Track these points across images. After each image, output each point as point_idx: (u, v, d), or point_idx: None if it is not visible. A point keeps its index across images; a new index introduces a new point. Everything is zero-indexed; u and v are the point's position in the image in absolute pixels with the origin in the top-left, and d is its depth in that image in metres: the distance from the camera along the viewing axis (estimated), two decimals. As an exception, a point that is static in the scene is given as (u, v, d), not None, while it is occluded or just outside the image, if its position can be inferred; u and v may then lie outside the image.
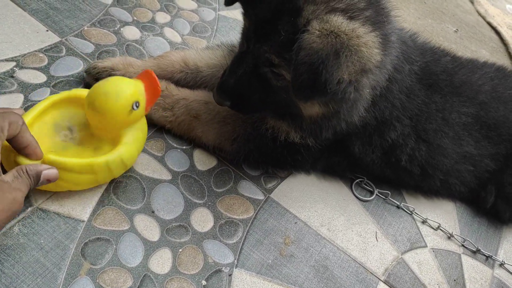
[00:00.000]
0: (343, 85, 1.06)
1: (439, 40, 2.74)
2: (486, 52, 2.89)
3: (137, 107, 1.18)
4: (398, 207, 1.60)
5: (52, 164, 1.03)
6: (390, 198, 1.60)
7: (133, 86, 1.18)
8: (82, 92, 1.22)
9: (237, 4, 1.24)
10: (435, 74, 1.48)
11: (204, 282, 1.15)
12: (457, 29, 2.92)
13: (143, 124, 1.27)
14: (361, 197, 1.56)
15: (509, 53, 2.95)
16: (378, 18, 1.13)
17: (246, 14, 1.22)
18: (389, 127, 1.41)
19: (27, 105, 1.30)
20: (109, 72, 1.40)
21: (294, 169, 1.52)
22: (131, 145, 1.20)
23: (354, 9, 1.08)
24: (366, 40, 1.06)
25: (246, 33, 1.21)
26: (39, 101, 1.19)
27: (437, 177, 1.59)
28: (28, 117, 1.11)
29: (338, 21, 1.03)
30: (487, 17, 3.41)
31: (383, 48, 1.13)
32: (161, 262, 1.14)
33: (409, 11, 2.87)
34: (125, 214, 1.19)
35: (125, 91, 1.15)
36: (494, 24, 3.30)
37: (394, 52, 1.26)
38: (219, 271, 1.19)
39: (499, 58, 2.89)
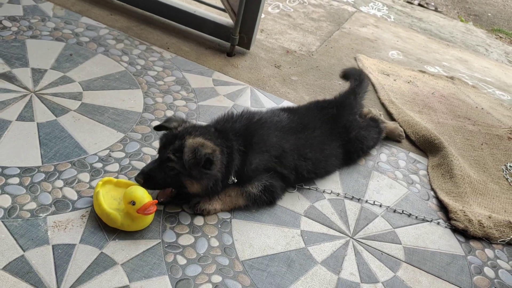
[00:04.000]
0: (205, 156, 2.41)
1: (330, 91, 4.43)
2: (361, 93, 4.60)
3: (133, 204, 2.29)
4: (309, 188, 3.15)
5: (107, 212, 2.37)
6: (305, 186, 3.15)
7: (140, 194, 2.32)
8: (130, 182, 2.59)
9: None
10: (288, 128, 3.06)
11: None
12: (341, 83, 4.64)
13: (138, 220, 2.36)
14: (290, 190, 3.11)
15: (375, 91, 4.69)
16: (214, 136, 2.60)
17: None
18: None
19: None
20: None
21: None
22: (118, 215, 2.34)
23: (203, 134, 2.56)
24: (203, 142, 2.47)
25: (159, 150, 2.59)
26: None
27: (322, 171, 3.20)
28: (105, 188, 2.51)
29: (196, 140, 2.46)
30: (364, 69, 5.19)
31: (214, 141, 2.55)
32: None
33: (308, 77, 4.58)
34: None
35: (134, 193, 2.32)
36: (367, 72, 5.06)
37: (231, 137, 2.68)
38: None
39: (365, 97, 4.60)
